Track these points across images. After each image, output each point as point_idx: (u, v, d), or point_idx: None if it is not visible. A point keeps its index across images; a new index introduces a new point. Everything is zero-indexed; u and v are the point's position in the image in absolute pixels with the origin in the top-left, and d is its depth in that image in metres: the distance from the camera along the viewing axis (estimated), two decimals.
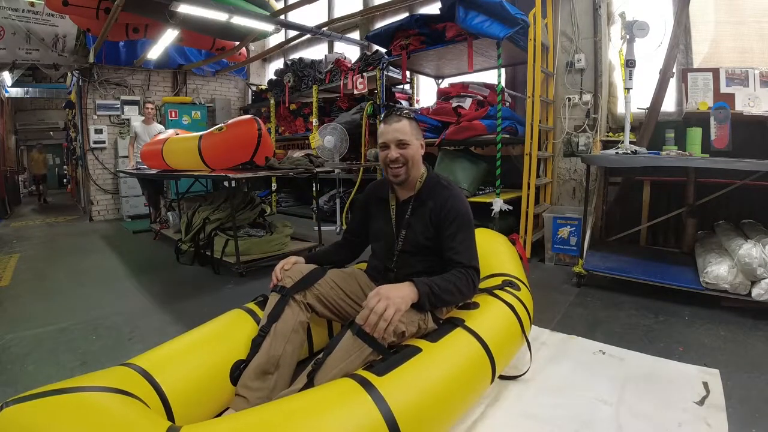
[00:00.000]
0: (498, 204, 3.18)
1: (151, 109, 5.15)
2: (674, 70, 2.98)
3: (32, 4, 5.49)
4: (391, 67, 4.34)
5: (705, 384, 1.56)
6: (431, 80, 4.75)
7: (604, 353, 1.84)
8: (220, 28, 4.47)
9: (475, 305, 1.53)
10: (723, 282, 2.20)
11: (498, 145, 3.26)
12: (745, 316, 2.17)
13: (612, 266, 2.71)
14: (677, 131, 2.86)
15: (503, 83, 3.51)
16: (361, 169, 4.71)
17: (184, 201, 4.17)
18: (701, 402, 1.46)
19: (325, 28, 5.29)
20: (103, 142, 6.38)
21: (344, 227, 4.61)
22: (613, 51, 3.43)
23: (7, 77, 7.37)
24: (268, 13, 4.62)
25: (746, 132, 2.76)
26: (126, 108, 6.45)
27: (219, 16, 4.05)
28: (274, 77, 6.20)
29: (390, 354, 1.19)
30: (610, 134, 3.44)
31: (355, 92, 4.68)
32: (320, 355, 1.23)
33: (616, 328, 2.12)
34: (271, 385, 1.34)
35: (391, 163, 1.50)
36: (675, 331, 2.06)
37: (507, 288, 1.69)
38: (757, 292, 2.11)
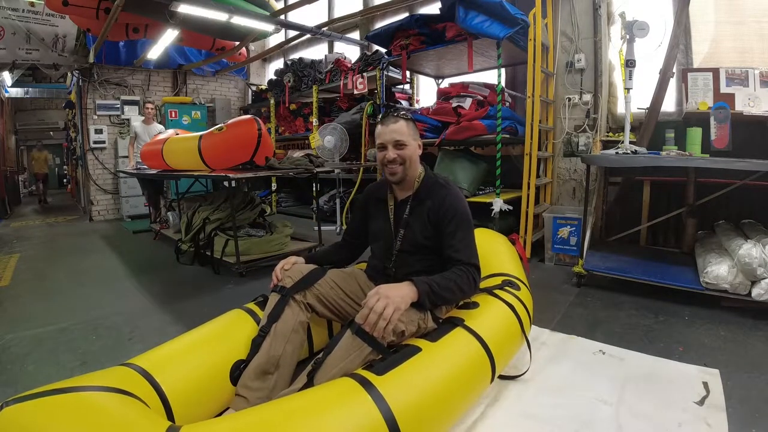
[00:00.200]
0: (498, 204, 3.18)
1: (151, 109, 5.15)
2: (674, 70, 2.98)
3: (32, 4, 5.49)
4: (391, 67, 4.34)
5: (705, 384, 1.56)
6: (431, 80, 4.75)
7: (604, 353, 1.84)
8: (220, 28, 4.47)
9: (475, 305, 1.53)
10: (723, 282, 2.20)
11: (498, 145, 3.26)
12: (745, 316, 2.17)
13: (612, 266, 2.71)
14: (677, 131, 2.86)
15: (503, 83, 3.51)
16: (361, 169, 4.71)
17: (184, 201, 4.17)
18: (701, 402, 1.46)
19: (325, 28, 5.29)
20: (103, 142, 6.38)
21: (344, 227, 4.62)
22: (613, 51, 3.43)
23: (7, 77, 7.37)
24: (268, 13, 4.61)
25: (746, 132, 2.76)
26: (126, 108, 6.45)
27: (219, 16, 4.05)
28: (274, 77, 6.20)
29: (390, 353, 1.19)
30: (610, 134, 3.44)
31: (355, 92, 4.68)
32: (320, 355, 1.23)
33: (616, 328, 2.12)
34: (271, 385, 1.34)
35: (389, 163, 1.51)
36: (675, 331, 2.06)
37: (507, 288, 1.69)
38: (757, 292, 2.11)
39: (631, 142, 2.74)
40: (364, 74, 4.53)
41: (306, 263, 1.62)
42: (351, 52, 5.76)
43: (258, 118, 3.31)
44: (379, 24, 5.34)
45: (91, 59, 5.69)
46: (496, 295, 1.61)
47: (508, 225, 3.42)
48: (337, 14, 6.01)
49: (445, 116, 3.62)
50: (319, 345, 1.70)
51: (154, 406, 1.11)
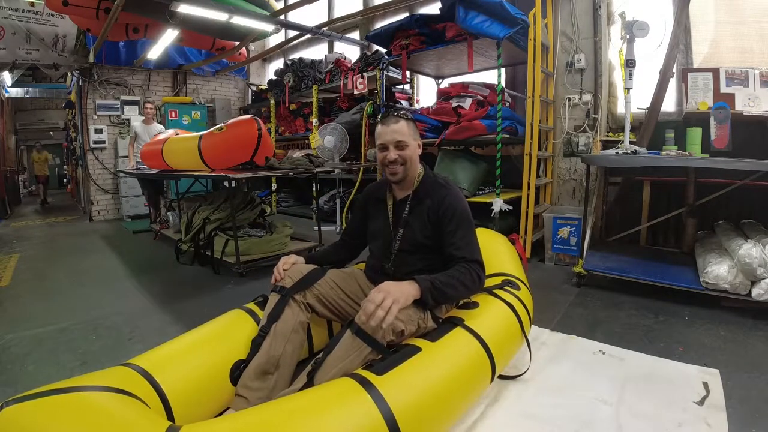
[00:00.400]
0: (498, 204, 3.18)
1: (151, 109, 5.15)
2: (674, 70, 2.98)
3: (32, 4, 5.49)
4: (391, 67, 4.34)
5: (705, 384, 1.56)
6: (431, 80, 4.75)
7: (604, 353, 1.84)
8: (220, 28, 4.47)
9: (475, 305, 1.53)
10: (723, 282, 2.20)
11: (498, 145, 3.26)
12: (745, 316, 2.17)
13: (612, 266, 2.71)
14: (677, 131, 2.86)
15: (503, 83, 3.51)
16: (361, 169, 4.71)
17: (184, 201, 4.17)
18: (701, 402, 1.46)
19: (325, 28, 5.29)
20: (103, 142, 6.38)
21: (344, 227, 4.61)
22: (613, 51, 3.43)
23: (7, 77, 7.36)
24: (268, 13, 4.61)
25: (746, 132, 2.76)
26: (126, 108, 6.45)
27: (219, 16, 4.05)
28: (274, 77, 6.20)
29: (389, 353, 1.19)
30: (610, 134, 3.44)
31: (355, 92, 4.68)
32: (320, 355, 1.23)
33: (616, 328, 2.12)
34: (271, 385, 1.34)
35: (390, 164, 1.51)
36: (675, 331, 2.06)
37: (507, 287, 1.69)
38: (757, 292, 2.11)
39: (631, 142, 2.74)
40: (364, 74, 4.53)
41: (305, 263, 1.62)
42: (351, 52, 5.76)
43: (258, 118, 3.31)
44: (379, 24, 5.34)
45: (91, 59, 5.69)
46: (496, 295, 1.61)
47: (508, 225, 3.42)
48: (337, 14, 6.01)
49: (445, 116, 3.62)
50: (319, 345, 1.70)
51: (154, 406, 1.11)
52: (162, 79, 6.91)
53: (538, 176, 3.46)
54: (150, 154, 4.24)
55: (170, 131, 4.46)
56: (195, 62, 6.65)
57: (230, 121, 3.36)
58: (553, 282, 2.86)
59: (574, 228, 3.13)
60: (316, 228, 3.93)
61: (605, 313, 2.31)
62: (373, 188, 1.74)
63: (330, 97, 5.52)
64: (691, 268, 2.57)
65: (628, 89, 2.71)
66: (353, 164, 4.59)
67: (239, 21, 4.24)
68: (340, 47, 6.08)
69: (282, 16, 4.98)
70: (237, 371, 1.35)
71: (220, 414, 1.33)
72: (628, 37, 2.62)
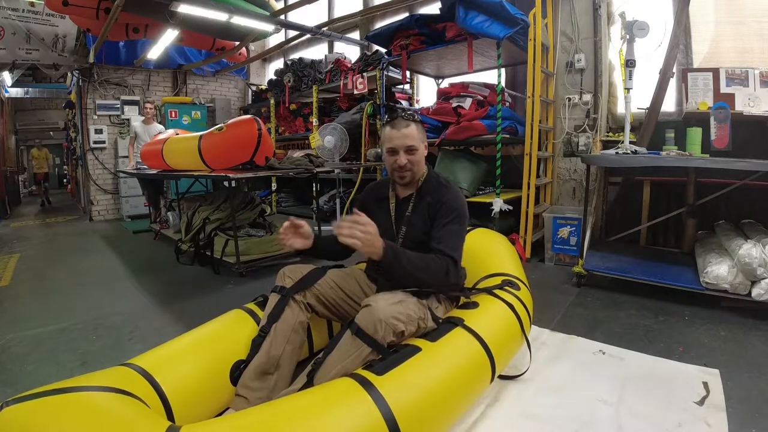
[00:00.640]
0: (498, 204, 3.18)
1: (151, 109, 5.15)
2: (674, 70, 2.98)
3: (32, 4, 5.48)
4: (391, 67, 4.34)
5: (705, 384, 1.56)
6: (431, 80, 4.75)
7: (604, 353, 1.84)
8: (220, 28, 4.47)
9: (475, 305, 1.53)
10: (723, 282, 2.20)
11: (498, 145, 3.26)
12: (745, 316, 2.17)
13: (612, 266, 2.70)
14: (677, 131, 2.86)
15: (503, 83, 3.51)
16: (361, 169, 4.71)
17: (184, 201, 4.17)
18: (701, 402, 1.46)
19: (325, 28, 5.28)
20: (103, 142, 6.38)
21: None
22: (613, 51, 3.43)
23: (7, 77, 7.36)
24: (268, 13, 4.61)
25: (746, 132, 2.76)
26: (126, 108, 6.45)
27: (219, 16, 4.05)
28: (274, 77, 6.20)
29: (389, 353, 1.19)
30: (610, 134, 3.44)
31: (355, 92, 4.68)
32: (320, 355, 1.24)
33: (616, 328, 2.12)
34: (271, 385, 1.34)
35: (400, 169, 1.52)
36: (675, 331, 2.06)
37: (507, 288, 1.69)
38: (757, 292, 2.11)
39: (631, 142, 2.74)
40: (364, 74, 4.53)
41: (311, 243, 1.58)
42: (351, 52, 5.76)
43: (258, 118, 3.31)
44: (379, 24, 5.34)
45: (91, 59, 5.69)
46: (495, 295, 1.62)
47: (508, 225, 3.42)
48: (337, 14, 6.00)
49: (445, 116, 3.62)
50: (319, 345, 1.70)
51: (154, 406, 1.11)
52: (162, 79, 6.91)
53: (538, 176, 3.46)
54: (150, 154, 4.24)
55: (170, 131, 4.46)
56: (195, 62, 6.65)
57: (230, 121, 3.36)
58: (553, 282, 2.86)
59: (574, 228, 3.13)
60: (316, 228, 3.93)
61: (605, 313, 2.31)
62: (374, 187, 1.74)
63: (330, 97, 5.51)
64: (691, 268, 2.57)
65: (628, 89, 2.71)
66: (353, 164, 4.58)
67: (239, 21, 4.24)
68: (340, 47, 6.08)
69: (282, 16, 4.98)
70: (237, 371, 1.35)
71: (220, 414, 1.33)
72: (628, 37, 2.62)
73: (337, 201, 4.78)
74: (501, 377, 1.59)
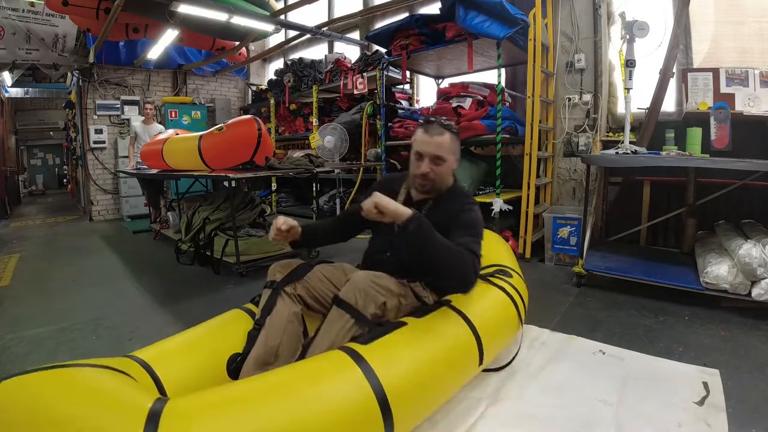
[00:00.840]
0: (498, 204, 3.18)
1: (151, 109, 5.15)
2: (674, 70, 2.98)
3: (32, 4, 5.48)
4: (391, 67, 4.34)
5: (705, 384, 1.56)
6: (431, 80, 4.75)
7: (604, 353, 1.84)
8: (220, 28, 4.47)
9: None
10: (723, 282, 2.20)
11: (498, 145, 3.26)
12: (745, 316, 2.17)
13: (612, 266, 2.71)
14: (677, 131, 2.85)
15: (503, 83, 3.51)
16: (361, 169, 4.71)
17: (184, 201, 4.17)
18: (701, 402, 1.46)
19: (325, 28, 5.29)
20: (103, 142, 6.38)
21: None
22: (613, 51, 3.43)
23: (7, 77, 7.36)
24: (268, 13, 4.62)
25: (746, 132, 2.76)
26: (126, 108, 6.45)
27: (219, 16, 4.05)
28: (274, 77, 6.20)
29: (374, 326, 1.24)
30: (610, 134, 3.44)
31: (355, 92, 4.68)
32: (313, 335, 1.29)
33: (616, 328, 2.12)
34: None
35: (421, 176, 1.46)
36: (675, 331, 2.06)
37: (498, 275, 1.72)
38: (757, 292, 2.11)
39: (631, 142, 2.74)
40: (364, 74, 4.54)
41: (300, 231, 1.60)
42: (351, 52, 5.76)
43: (258, 118, 3.31)
44: (379, 24, 5.34)
45: (91, 59, 5.69)
46: (487, 281, 1.64)
47: (508, 225, 3.42)
48: (337, 14, 6.00)
49: (445, 116, 3.62)
50: None
51: (149, 388, 1.12)
52: (162, 79, 6.91)
53: (538, 176, 3.46)
54: (150, 154, 4.24)
55: (170, 131, 4.46)
56: (195, 62, 6.65)
57: (230, 121, 3.36)
58: (553, 282, 2.86)
59: (574, 228, 3.13)
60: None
61: (605, 313, 2.31)
62: (389, 179, 1.70)
63: (330, 97, 5.52)
64: (691, 268, 2.57)
65: (628, 89, 2.71)
66: (353, 164, 4.59)
67: (239, 21, 4.24)
68: (340, 47, 6.08)
69: (282, 16, 4.98)
70: (233, 364, 1.35)
71: None
72: (628, 37, 2.62)
73: (337, 201, 4.78)
74: (494, 369, 1.61)
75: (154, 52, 5.45)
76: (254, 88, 7.38)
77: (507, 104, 3.77)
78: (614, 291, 2.61)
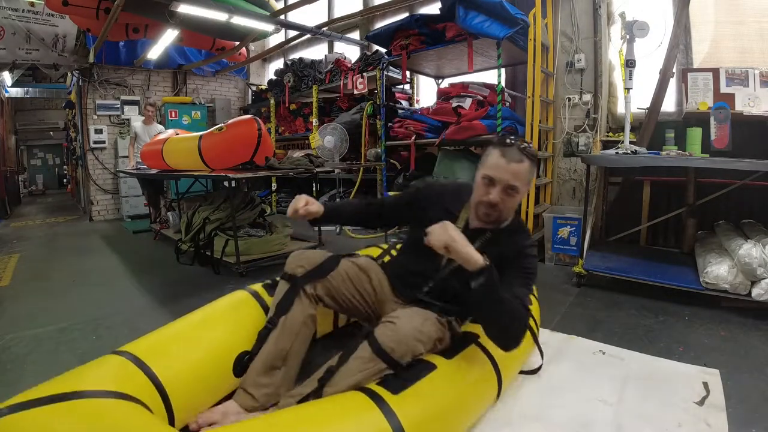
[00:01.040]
0: None
1: (153, 111, 5.14)
2: (674, 70, 2.98)
3: (32, 4, 5.48)
4: (391, 67, 4.34)
5: (705, 384, 1.56)
6: (431, 80, 4.75)
7: (604, 353, 1.84)
8: (220, 28, 4.47)
9: None
10: (723, 282, 2.20)
11: None
12: (745, 316, 2.17)
13: (612, 266, 2.70)
14: (677, 131, 2.86)
15: (503, 83, 3.51)
16: (361, 169, 4.71)
17: (184, 201, 4.17)
18: (701, 402, 1.46)
19: (325, 28, 5.28)
20: (103, 142, 6.38)
21: (345, 227, 4.63)
22: (613, 51, 3.43)
23: (7, 77, 7.36)
24: (268, 13, 4.62)
25: (746, 132, 2.76)
26: (126, 108, 6.45)
27: (219, 16, 4.05)
28: (274, 77, 6.20)
29: (403, 368, 1.14)
30: (610, 134, 3.44)
31: (355, 92, 4.68)
32: (332, 361, 1.19)
33: (616, 328, 2.12)
34: (278, 381, 1.30)
35: (488, 205, 1.28)
36: (675, 331, 2.06)
37: None
38: (757, 292, 2.11)
39: (631, 142, 2.74)
40: (364, 74, 4.53)
41: (323, 211, 1.50)
42: (351, 52, 5.76)
43: (258, 118, 3.31)
44: (379, 24, 5.33)
45: (91, 59, 5.69)
46: None
47: None
48: (337, 14, 6.00)
49: (445, 116, 3.62)
50: (322, 332, 1.68)
51: (151, 396, 1.09)
52: (162, 79, 6.91)
53: (538, 176, 3.46)
54: (150, 154, 4.24)
55: (170, 131, 4.46)
56: (195, 62, 6.65)
57: (230, 121, 3.36)
58: (553, 282, 2.86)
59: (574, 228, 3.13)
60: (316, 228, 3.93)
61: (605, 313, 2.31)
62: (446, 190, 1.51)
63: (330, 97, 5.52)
64: (691, 268, 2.57)
65: (628, 89, 2.71)
66: (353, 164, 4.59)
67: (239, 21, 4.24)
68: (340, 47, 6.08)
69: (282, 16, 4.98)
70: (241, 364, 1.31)
71: (219, 403, 1.30)
72: (628, 37, 2.62)
73: (337, 201, 4.78)
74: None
75: (154, 52, 5.45)
76: (254, 88, 7.38)
77: (507, 104, 3.77)
78: (614, 291, 2.61)
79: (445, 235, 1.14)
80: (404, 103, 5.12)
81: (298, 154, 4.63)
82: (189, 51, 6.60)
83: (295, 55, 6.27)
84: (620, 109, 3.47)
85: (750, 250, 2.12)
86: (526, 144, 1.27)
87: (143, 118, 5.26)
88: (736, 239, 2.37)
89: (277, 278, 1.50)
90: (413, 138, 3.86)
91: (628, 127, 2.76)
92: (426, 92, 5.35)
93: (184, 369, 1.22)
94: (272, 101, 6.19)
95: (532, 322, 1.63)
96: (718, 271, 2.23)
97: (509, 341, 1.21)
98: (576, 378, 1.64)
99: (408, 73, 4.17)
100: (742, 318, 2.17)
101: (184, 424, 1.22)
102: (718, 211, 3.00)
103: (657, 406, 1.44)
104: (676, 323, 2.16)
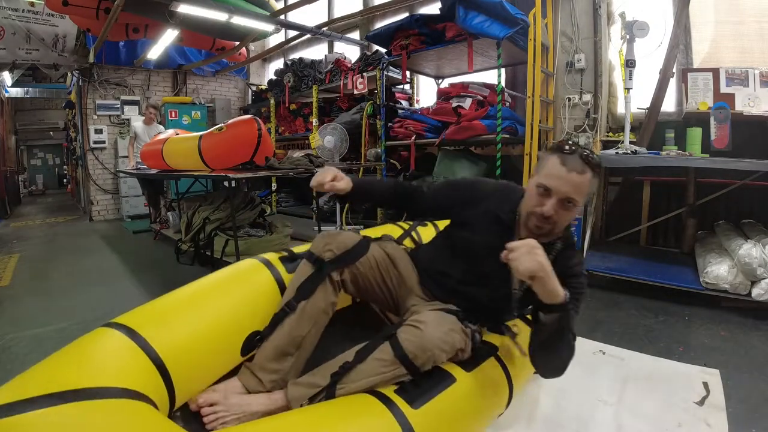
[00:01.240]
0: None
1: (153, 114, 5.14)
2: (674, 70, 2.98)
3: (32, 4, 5.48)
4: (391, 67, 4.33)
5: (705, 384, 1.56)
6: (431, 80, 4.75)
7: (604, 353, 1.84)
8: (220, 28, 4.47)
9: (513, 335, 1.39)
10: (723, 282, 2.20)
11: (498, 145, 3.26)
12: (745, 316, 2.18)
13: (612, 266, 2.71)
14: (677, 131, 2.86)
15: (503, 83, 3.51)
16: (361, 169, 4.71)
17: (184, 201, 4.16)
18: (701, 402, 1.46)
19: (325, 28, 5.29)
20: (103, 142, 6.38)
21: (344, 227, 4.62)
22: (613, 51, 3.43)
23: (7, 77, 7.36)
24: (268, 13, 4.62)
25: (746, 132, 2.76)
26: (126, 108, 6.45)
27: (219, 16, 4.05)
28: (274, 77, 6.19)
29: (422, 375, 1.10)
30: (610, 134, 3.44)
31: (355, 92, 4.68)
32: (347, 358, 1.14)
33: (616, 328, 2.12)
34: (288, 367, 1.24)
35: (541, 217, 1.15)
36: (675, 331, 2.06)
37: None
38: (757, 292, 2.11)
39: (631, 142, 2.74)
40: (364, 74, 4.53)
41: (352, 187, 1.36)
42: (351, 52, 5.76)
43: (258, 118, 3.31)
44: (379, 24, 5.33)
45: (91, 59, 5.69)
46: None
47: None
48: (337, 14, 6.00)
49: (445, 116, 3.62)
50: (339, 306, 1.57)
51: (150, 373, 1.02)
52: (162, 79, 6.91)
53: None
54: (150, 154, 4.24)
55: (170, 131, 4.46)
56: (195, 62, 6.65)
57: (230, 121, 3.36)
58: None
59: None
60: (316, 228, 3.93)
61: (605, 313, 2.31)
62: (496, 192, 1.35)
63: (330, 97, 5.51)
64: (691, 268, 2.57)
65: (628, 89, 2.71)
66: (353, 164, 4.58)
67: (239, 21, 4.24)
68: (340, 47, 6.08)
69: (282, 16, 4.98)
70: (250, 345, 1.25)
71: (220, 380, 1.24)
72: (628, 37, 2.63)
73: (337, 201, 4.77)
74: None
75: (154, 52, 5.45)
76: (254, 88, 7.37)
77: (507, 104, 3.77)
78: (614, 291, 2.61)
79: (534, 262, 0.99)
80: (404, 103, 5.12)
81: (298, 154, 4.62)
82: (189, 51, 6.60)
83: (295, 55, 6.26)
84: (620, 109, 3.47)
85: (750, 250, 2.12)
86: (588, 152, 1.13)
87: (143, 118, 5.26)
88: (736, 239, 2.37)
89: (293, 249, 1.41)
90: (413, 138, 3.86)
91: (628, 127, 2.76)
92: (426, 92, 5.35)
93: (186, 343, 1.13)
94: (272, 101, 6.18)
95: None
96: (718, 271, 2.23)
97: (557, 372, 1.18)
98: (576, 378, 1.63)
99: (408, 73, 4.17)
100: (742, 318, 2.17)
101: (183, 402, 1.16)
102: (718, 211, 3.01)
103: (657, 406, 1.44)
104: (676, 323, 2.16)
